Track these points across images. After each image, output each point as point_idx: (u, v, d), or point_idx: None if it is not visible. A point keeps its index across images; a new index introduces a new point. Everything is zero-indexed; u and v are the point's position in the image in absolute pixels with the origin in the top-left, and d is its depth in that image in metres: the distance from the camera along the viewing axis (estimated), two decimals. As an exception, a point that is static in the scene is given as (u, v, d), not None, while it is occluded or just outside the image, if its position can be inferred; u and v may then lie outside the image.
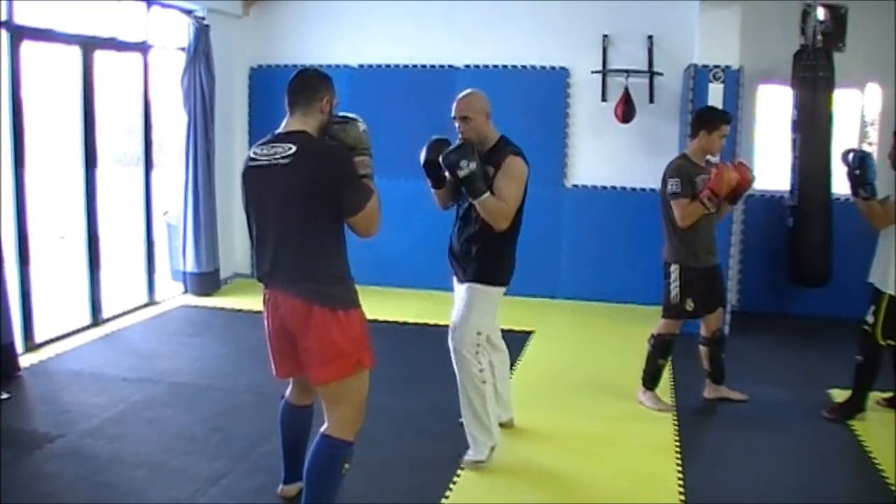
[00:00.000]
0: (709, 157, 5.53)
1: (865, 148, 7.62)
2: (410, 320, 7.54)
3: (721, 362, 5.78)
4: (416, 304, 8.08)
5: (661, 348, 5.63)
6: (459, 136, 4.45)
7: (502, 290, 4.63)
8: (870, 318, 5.35)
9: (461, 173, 4.23)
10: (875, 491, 4.52)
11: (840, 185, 6.73)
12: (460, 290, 4.60)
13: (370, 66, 8.60)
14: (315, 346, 3.50)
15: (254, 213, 3.60)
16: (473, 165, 4.23)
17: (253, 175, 3.54)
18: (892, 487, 4.50)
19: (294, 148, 3.41)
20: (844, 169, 5.35)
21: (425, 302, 8.05)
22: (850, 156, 5.33)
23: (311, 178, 3.42)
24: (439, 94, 8.21)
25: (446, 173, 4.39)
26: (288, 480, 4.13)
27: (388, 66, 8.59)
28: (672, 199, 5.32)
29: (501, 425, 4.86)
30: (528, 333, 7.19)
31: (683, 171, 5.37)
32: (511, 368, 5.79)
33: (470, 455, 4.58)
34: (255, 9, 8.94)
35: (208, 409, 5.37)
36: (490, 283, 4.54)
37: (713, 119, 5.42)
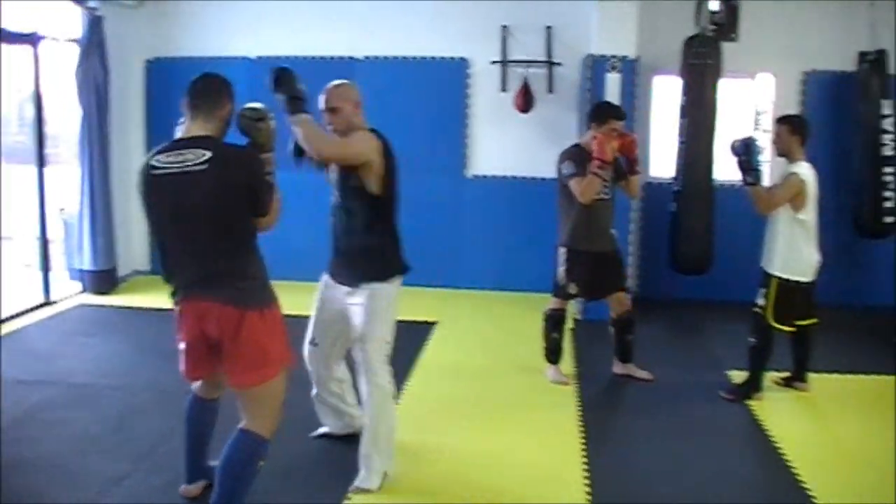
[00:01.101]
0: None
1: (758, 135, 7.85)
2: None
3: (627, 343, 6.03)
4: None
5: (552, 323, 5.95)
6: (326, 123, 4.23)
7: (401, 279, 4.35)
8: (761, 301, 5.56)
9: (283, 90, 4.02)
10: (773, 467, 4.68)
11: (725, 171, 6.90)
12: (354, 296, 4.26)
13: (269, 57, 8.46)
14: (243, 353, 3.48)
15: (167, 223, 3.50)
16: (301, 90, 4.03)
17: (161, 184, 3.42)
18: (789, 464, 4.68)
19: (208, 154, 3.36)
20: (734, 157, 5.52)
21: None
22: (738, 143, 5.52)
23: (230, 182, 3.39)
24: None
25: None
26: (191, 479, 4.08)
27: (287, 57, 8.42)
28: (568, 179, 5.57)
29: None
30: (432, 324, 7.21)
31: (574, 156, 5.64)
32: (416, 358, 5.84)
33: (360, 481, 4.22)
34: (151, -1, 8.77)
35: (109, 409, 5.26)
36: (390, 276, 4.26)
37: (603, 114, 5.70)
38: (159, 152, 3.47)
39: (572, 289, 5.82)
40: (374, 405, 4.22)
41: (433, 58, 8.39)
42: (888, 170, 7.77)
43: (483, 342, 6.90)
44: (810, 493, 4.30)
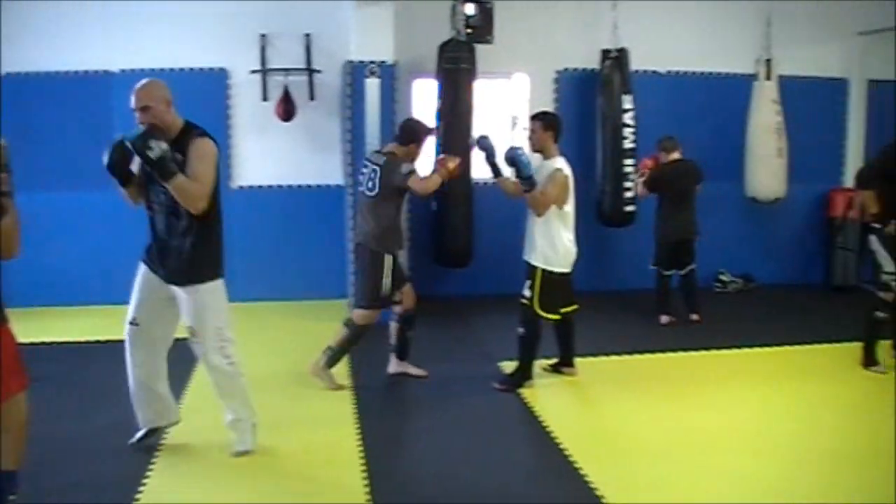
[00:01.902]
0: None
1: (516, 134, 8.17)
2: (82, 339, 7.09)
3: (409, 340, 6.12)
4: (86, 321, 7.61)
5: (357, 337, 5.90)
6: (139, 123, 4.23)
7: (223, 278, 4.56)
8: (527, 293, 5.78)
9: (152, 154, 4.01)
10: (547, 452, 4.86)
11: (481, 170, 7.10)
12: (182, 295, 4.40)
13: (18, 74, 8.03)
14: None
15: None
16: (164, 146, 4.06)
17: None
18: (562, 447, 4.88)
19: None
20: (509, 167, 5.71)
21: (96, 318, 7.62)
22: (479, 141, 5.84)
23: None
24: (95, 101, 7.97)
25: (134, 164, 4.25)
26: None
27: (38, 73, 8.03)
28: (409, 177, 5.64)
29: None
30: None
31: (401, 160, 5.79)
32: (190, 372, 5.71)
33: (240, 446, 4.64)
34: None
35: None
36: (217, 276, 4.48)
37: (423, 133, 5.89)
38: None
39: (398, 296, 5.92)
40: (218, 385, 4.61)
41: (192, 69, 8.16)
42: (628, 162, 8.29)
43: (256, 354, 6.76)
44: (581, 472, 4.50)
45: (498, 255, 5.68)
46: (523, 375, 5.91)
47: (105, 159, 4.29)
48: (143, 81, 4.33)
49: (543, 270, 5.72)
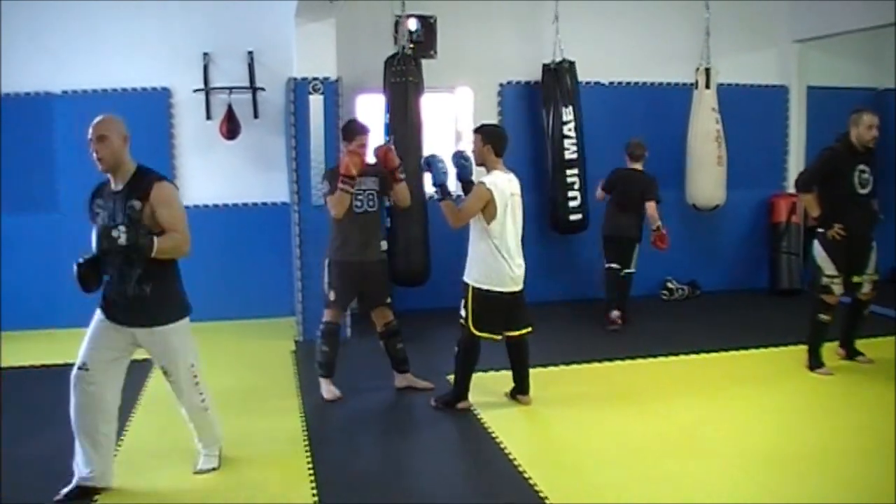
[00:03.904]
0: None
1: (461, 147, 8.20)
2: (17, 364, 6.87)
3: (399, 352, 6.18)
4: (22, 345, 7.45)
5: (323, 336, 6.00)
6: (94, 156, 4.17)
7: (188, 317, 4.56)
8: (462, 311, 5.67)
9: (121, 241, 4.02)
10: (496, 462, 4.89)
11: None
12: (148, 338, 4.37)
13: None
14: None
15: None
16: (123, 230, 4.04)
17: None
18: (511, 457, 4.91)
19: None
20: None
21: (32, 342, 7.52)
22: (422, 161, 5.80)
23: None
24: (35, 124, 7.88)
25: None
26: None
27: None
28: (324, 198, 5.87)
29: None
30: (151, 360, 6.86)
31: (330, 175, 5.89)
32: (136, 397, 5.65)
33: (204, 465, 4.71)
34: None
35: None
36: (183, 315, 4.48)
37: (349, 131, 5.90)
38: None
39: (332, 296, 5.97)
40: (193, 420, 4.67)
41: (134, 89, 8.10)
42: (571, 172, 8.41)
43: (205, 372, 6.69)
44: (531, 481, 4.55)
45: (456, 268, 5.63)
46: (457, 394, 5.81)
47: (79, 286, 4.24)
48: (103, 116, 4.26)
49: (474, 288, 5.57)
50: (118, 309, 4.30)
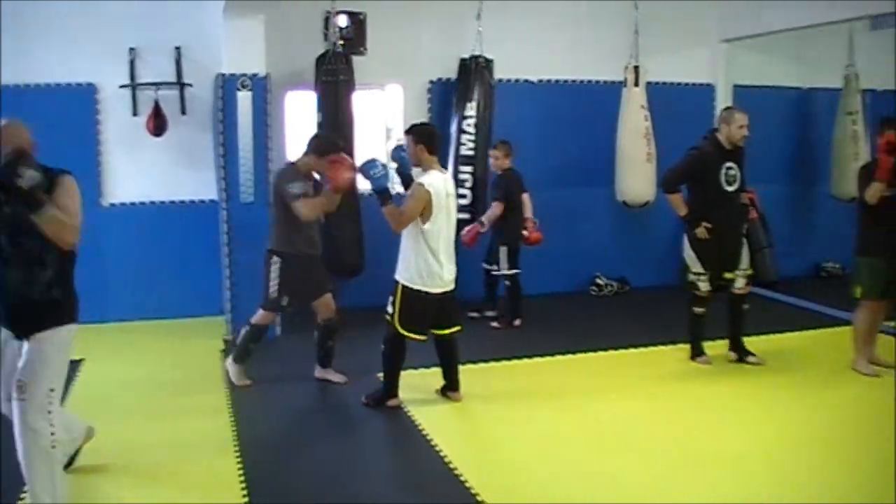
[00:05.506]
0: None
1: (391, 144, 8.18)
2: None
3: (329, 350, 6.29)
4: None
5: (255, 335, 6.19)
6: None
7: (76, 326, 4.13)
8: (389, 308, 5.66)
9: (22, 182, 3.64)
10: (427, 460, 4.93)
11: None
12: (26, 346, 3.96)
13: None
14: None
15: None
16: (36, 175, 3.70)
17: None
18: (442, 455, 4.94)
19: None
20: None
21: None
22: (359, 166, 5.74)
23: None
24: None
25: None
26: None
27: None
28: (296, 200, 5.81)
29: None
30: (78, 362, 6.73)
31: (297, 176, 5.96)
32: (62, 401, 5.55)
33: None
34: None
35: None
36: (72, 320, 4.08)
37: (325, 149, 5.96)
38: None
39: (284, 301, 6.04)
40: (29, 454, 3.90)
41: (58, 84, 7.91)
42: (465, 168, 8.36)
43: (132, 373, 6.64)
44: (462, 478, 4.60)
45: (393, 266, 5.62)
46: (386, 391, 5.82)
47: None
48: (5, 121, 4.05)
49: (405, 287, 5.57)
50: (14, 319, 4.03)
